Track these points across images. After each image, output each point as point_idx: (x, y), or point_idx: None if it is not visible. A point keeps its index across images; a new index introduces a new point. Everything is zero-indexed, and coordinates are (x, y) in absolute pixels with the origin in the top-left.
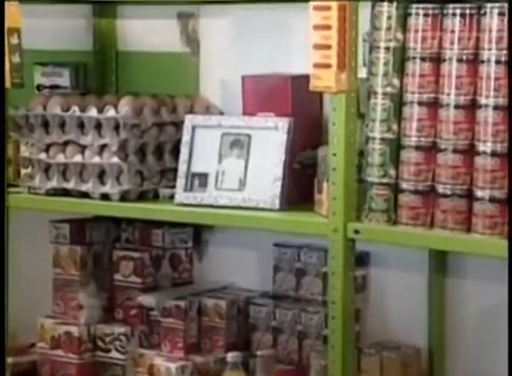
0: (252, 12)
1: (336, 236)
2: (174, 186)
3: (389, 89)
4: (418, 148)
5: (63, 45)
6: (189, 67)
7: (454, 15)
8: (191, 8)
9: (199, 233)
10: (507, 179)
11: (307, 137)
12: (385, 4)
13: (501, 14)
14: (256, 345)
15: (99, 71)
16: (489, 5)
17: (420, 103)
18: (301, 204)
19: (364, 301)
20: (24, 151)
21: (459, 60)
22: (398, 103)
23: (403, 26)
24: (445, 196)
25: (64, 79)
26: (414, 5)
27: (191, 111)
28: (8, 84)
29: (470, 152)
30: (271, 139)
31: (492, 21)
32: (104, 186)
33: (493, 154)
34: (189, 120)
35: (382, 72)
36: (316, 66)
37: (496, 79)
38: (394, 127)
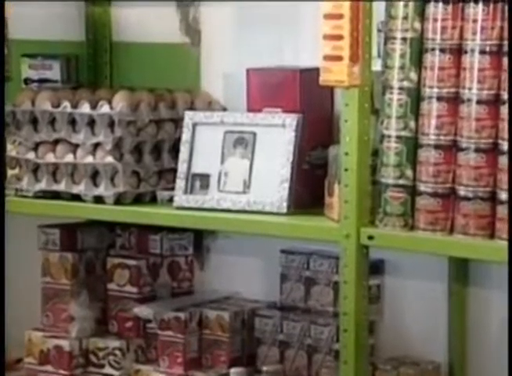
0: None
1: (348, 242)
2: (173, 188)
3: (406, 83)
4: (437, 147)
5: (52, 34)
6: (189, 59)
7: (476, 2)
8: None
9: (200, 238)
10: (507, 179)
11: (317, 135)
12: None
13: None
14: (261, 360)
15: (92, 64)
16: None
17: (440, 99)
18: (311, 208)
19: (379, 313)
20: (11, 150)
21: (482, 52)
22: (416, 98)
23: (421, 14)
24: (466, 199)
25: (54, 72)
26: None
27: (191, 107)
28: None
29: (493, 151)
30: (278, 137)
31: None
32: (97, 188)
33: None
34: (189, 116)
35: (398, 65)
36: (327, 58)
37: None
38: (412, 124)
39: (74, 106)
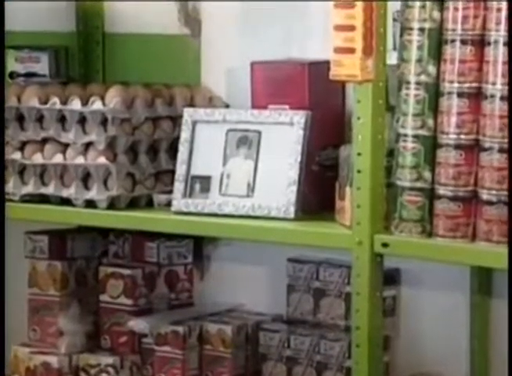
0: None
1: (361, 250)
2: (171, 192)
3: (423, 78)
4: (457, 147)
5: (40, 25)
6: (188, 52)
7: None
8: None
9: (200, 246)
10: (508, 180)
11: (327, 134)
12: None
13: None
14: None
15: (83, 56)
16: None
17: (460, 94)
18: (320, 213)
19: (394, 327)
20: None
21: (506, 44)
22: (435, 93)
23: (440, 3)
24: (489, 203)
25: (42, 66)
26: None
27: (191, 104)
28: None
29: None
30: (284, 136)
31: None
32: (89, 192)
33: None
34: (188, 114)
35: (415, 58)
36: (338, 50)
37: None
38: (430, 122)
39: (64, 102)
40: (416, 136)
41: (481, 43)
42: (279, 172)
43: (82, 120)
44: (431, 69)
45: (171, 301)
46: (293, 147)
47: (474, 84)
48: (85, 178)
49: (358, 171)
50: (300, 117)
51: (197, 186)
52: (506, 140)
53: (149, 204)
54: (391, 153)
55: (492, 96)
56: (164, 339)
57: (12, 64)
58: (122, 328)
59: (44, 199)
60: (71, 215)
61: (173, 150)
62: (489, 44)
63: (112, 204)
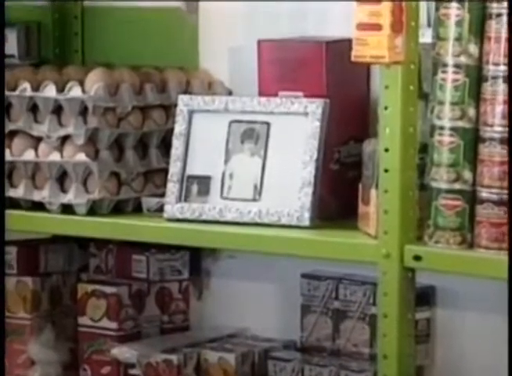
0: None
1: (388, 263)
2: (163, 195)
3: (463, 59)
4: (503, 141)
5: None
6: (184, 29)
7: None
8: None
9: (198, 259)
10: (508, 180)
11: (348, 126)
12: None
13: None
14: None
15: (59, 34)
16: None
17: (508, 79)
18: (340, 220)
19: (428, 355)
20: None
21: None
22: (476, 78)
23: None
24: None
25: (10, 45)
26: None
27: (187, 90)
28: None
29: None
30: (298, 128)
31: None
32: (66, 195)
33: None
34: (183, 102)
35: (454, 35)
36: (361, 27)
37: None
38: (471, 112)
39: (36, 88)
40: (454, 129)
41: None
42: (291, 172)
43: (57, 109)
44: (473, 49)
45: (163, 324)
46: (308, 142)
47: None
48: (61, 179)
49: (386, 171)
50: (316, 107)
51: (194, 188)
52: None
53: (138, 210)
54: (424, 149)
55: None
56: (154, 370)
57: None
58: (105, 357)
59: (12, 203)
60: (44, 222)
61: (165, 146)
62: None
63: (93, 210)
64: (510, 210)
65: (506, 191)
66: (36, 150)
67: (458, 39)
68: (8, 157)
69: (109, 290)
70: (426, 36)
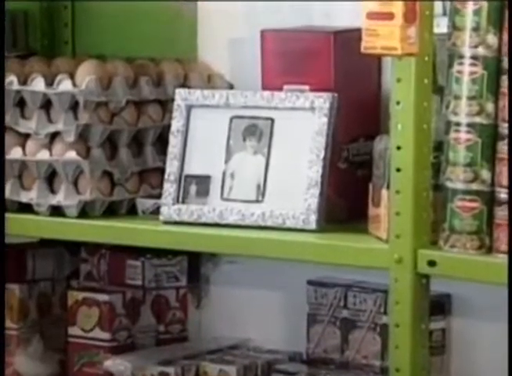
0: None
1: (401, 269)
2: (159, 196)
3: (482, 50)
4: None
5: None
6: (181, 18)
7: None
8: None
9: (196, 265)
10: (508, 180)
11: (357, 122)
12: None
13: None
14: None
15: (47, 23)
16: None
17: None
18: (349, 223)
19: (443, 368)
20: None
21: None
22: (495, 71)
23: None
24: None
25: None
26: None
27: (184, 84)
28: None
29: None
30: (304, 124)
31: None
32: (55, 196)
33: None
34: (181, 97)
35: (471, 25)
36: (372, 16)
37: None
38: (489, 107)
39: (23, 82)
40: (471, 125)
41: None
42: (296, 171)
43: (46, 104)
44: (491, 39)
45: (160, 334)
46: (314, 139)
47: None
48: (50, 179)
49: (398, 170)
50: (323, 101)
51: (193, 189)
52: None
53: (132, 212)
54: (439, 147)
55: None
56: None
57: None
58: (97, 369)
59: None
60: (32, 225)
61: (162, 143)
62: None
63: (84, 212)
64: (510, 210)
65: None
66: (23, 147)
67: (475, 29)
68: None
69: (101, 298)
70: (441, 26)
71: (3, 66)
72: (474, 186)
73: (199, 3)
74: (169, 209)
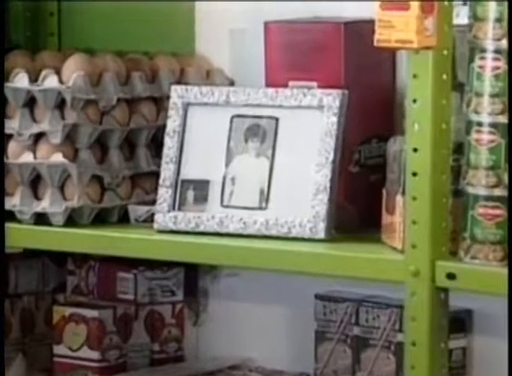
0: None
1: (417, 282)
2: (153, 202)
3: (505, 43)
4: None
5: None
6: (178, 9)
7: None
8: None
9: (194, 278)
10: (508, 180)
11: (370, 122)
12: None
13: None
14: None
15: (31, 15)
16: None
17: None
18: (361, 232)
19: None
20: None
21: None
22: None
23: None
24: None
25: None
26: None
27: (181, 80)
28: None
29: None
30: (311, 125)
31: None
32: (40, 202)
33: None
34: (177, 94)
35: (494, 15)
36: (386, 6)
37: None
38: None
39: (5, 78)
40: (494, 125)
41: None
42: (303, 175)
43: (30, 102)
44: None
45: (154, 354)
46: (323, 141)
47: None
48: (34, 184)
49: (414, 174)
50: (332, 99)
51: (190, 195)
52: None
53: (124, 220)
54: (459, 149)
55: None
56: None
57: None
58: None
59: None
60: (15, 234)
61: (156, 145)
62: None
63: (71, 220)
64: (510, 210)
65: None
66: (5, 149)
67: (499, 20)
68: None
69: (89, 314)
70: (461, 16)
71: (3, 66)
72: (498, 192)
73: None
74: (164, 217)
